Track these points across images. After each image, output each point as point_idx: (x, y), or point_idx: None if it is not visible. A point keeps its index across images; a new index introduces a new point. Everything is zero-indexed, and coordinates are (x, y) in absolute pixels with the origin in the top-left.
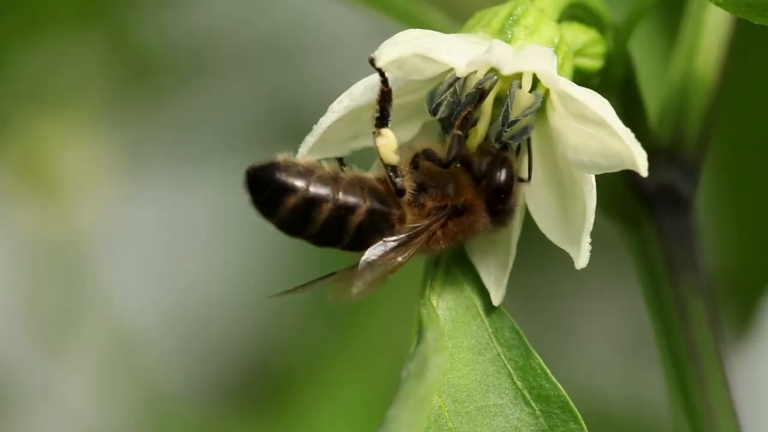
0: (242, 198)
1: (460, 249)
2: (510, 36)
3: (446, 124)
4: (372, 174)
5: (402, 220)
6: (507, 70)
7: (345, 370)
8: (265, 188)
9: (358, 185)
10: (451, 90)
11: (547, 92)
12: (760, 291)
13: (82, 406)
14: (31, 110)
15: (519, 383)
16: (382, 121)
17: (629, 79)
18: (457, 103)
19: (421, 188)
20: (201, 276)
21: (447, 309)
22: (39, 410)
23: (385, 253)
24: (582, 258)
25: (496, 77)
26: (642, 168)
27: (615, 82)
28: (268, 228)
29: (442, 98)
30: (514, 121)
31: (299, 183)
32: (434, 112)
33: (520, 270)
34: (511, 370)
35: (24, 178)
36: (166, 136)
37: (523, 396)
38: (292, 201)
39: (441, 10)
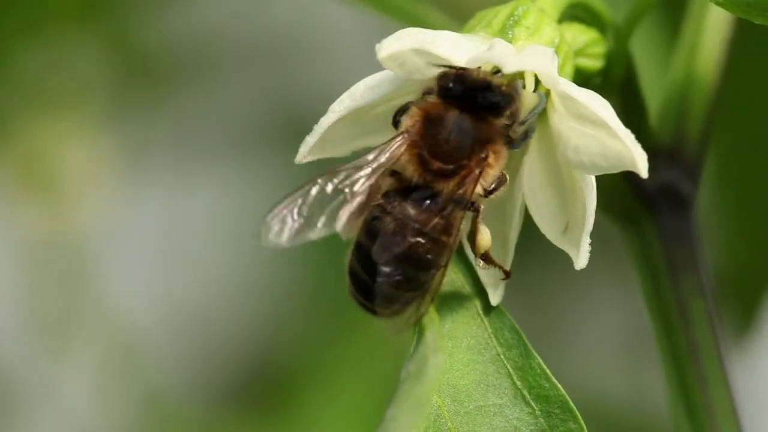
0: (242, 198)
1: (459, 249)
2: (511, 36)
3: None
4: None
5: None
6: (508, 68)
7: (345, 371)
8: None
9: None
10: None
11: (547, 93)
12: (761, 291)
13: (82, 406)
14: (31, 110)
15: (518, 383)
16: None
17: (630, 79)
18: None
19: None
20: (201, 276)
21: (446, 309)
22: (39, 410)
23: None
24: (582, 259)
25: (499, 73)
26: (642, 169)
27: (616, 82)
28: None
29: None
30: (523, 122)
31: None
32: None
33: (520, 270)
34: (511, 370)
35: (24, 178)
36: (166, 136)
37: (523, 396)
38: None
39: (441, 10)
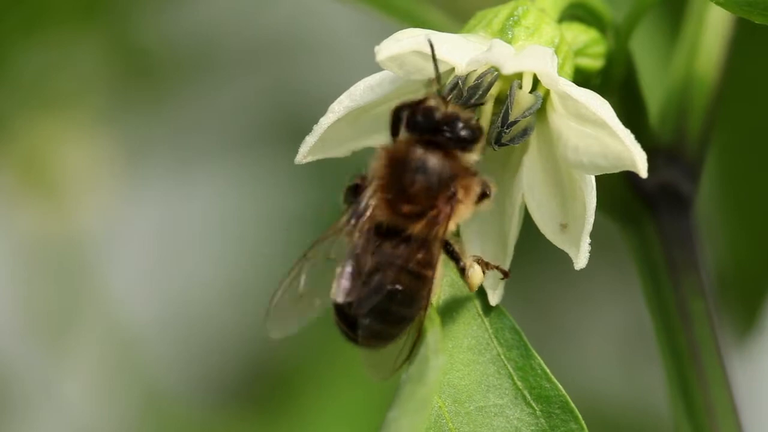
0: (241, 198)
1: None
2: (511, 36)
3: None
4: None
5: None
6: (507, 69)
7: (345, 370)
8: None
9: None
10: (456, 92)
11: (547, 93)
12: (762, 290)
13: (82, 406)
14: (31, 110)
15: (519, 383)
16: None
17: (630, 79)
18: (461, 102)
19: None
20: (201, 276)
21: (447, 309)
22: (39, 410)
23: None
24: (581, 259)
25: (496, 73)
26: (642, 169)
27: (616, 81)
28: (268, 227)
29: (447, 100)
30: (514, 122)
31: None
32: None
33: (520, 270)
34: (512, 371)
35: (24, 178)
36: (166, 136)
37: (524, 396)
38: None
39: (442, 10)
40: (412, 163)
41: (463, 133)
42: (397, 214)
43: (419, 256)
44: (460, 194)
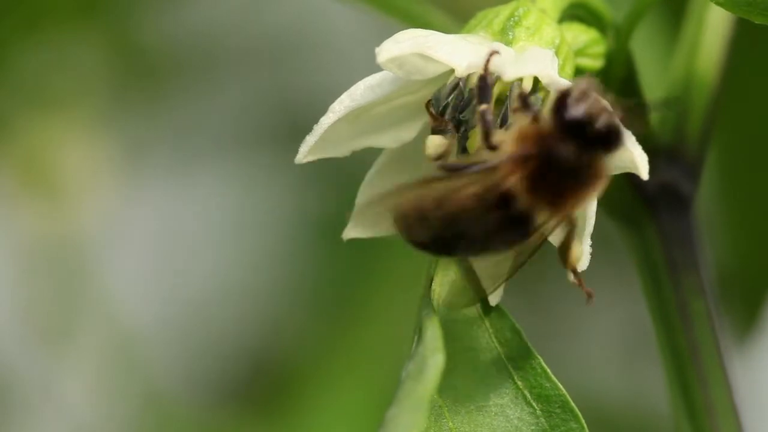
0: (241, 198)
1: None
2: (511, 37)
3: (454, 124)
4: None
5: None
6: (508, 76)
7: (345, 371)
8: None
9: None
10: (456, 92)
11: (547, 93)
12: (762, 290)
13: (82, 406)
14: (31, 110)
15: (519, 383)
16: None
17: (630, 79)
18: (463, 102)
19: None
20: (201, 276)
21: (447, 309)
22: (39, 410)
23: None
24: (583, 260)
25: (496, 75)
26: (643, 171)
27: (616, 81)
28: (267, 228)
29: (447, 101)
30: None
31: None
32: (441, 115)
33: (521, 271)
34: (512, 370)
35: (24, 178)
36: (166, 136)
37: (524, 396)
38: None
39: (442, 10)
40: (565, 160)
41: (617, 141)
42: (533, 197)
43: (531, 239)
44: (596, 192)
